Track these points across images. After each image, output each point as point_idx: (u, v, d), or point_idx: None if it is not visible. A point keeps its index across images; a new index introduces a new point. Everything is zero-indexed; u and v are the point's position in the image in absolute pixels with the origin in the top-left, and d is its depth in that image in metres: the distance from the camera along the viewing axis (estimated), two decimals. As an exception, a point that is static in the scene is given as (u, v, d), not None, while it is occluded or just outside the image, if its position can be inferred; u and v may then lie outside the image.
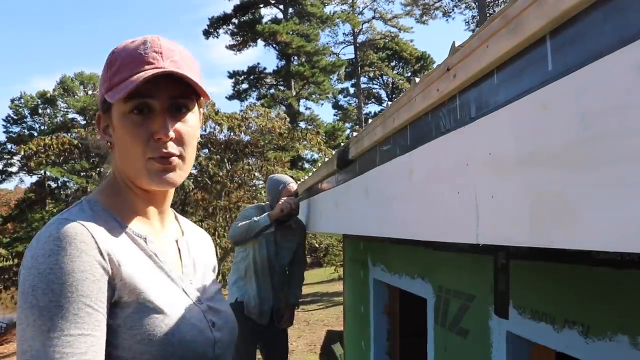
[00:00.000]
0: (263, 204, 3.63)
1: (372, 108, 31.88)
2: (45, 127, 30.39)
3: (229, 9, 26.14)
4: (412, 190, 1.22)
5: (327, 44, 29.05)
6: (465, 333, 1.49)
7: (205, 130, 9.47)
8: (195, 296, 0.92)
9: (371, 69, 30.25)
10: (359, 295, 2.96)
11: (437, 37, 63.16)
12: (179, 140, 0.86)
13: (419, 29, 62.79)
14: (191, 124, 0.88)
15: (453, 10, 27.32)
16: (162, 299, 0.83)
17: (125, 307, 0.79)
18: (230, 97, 27.01)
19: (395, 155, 1.36)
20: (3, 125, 32.19)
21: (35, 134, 28.41)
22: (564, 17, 0.63)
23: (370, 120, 1.69)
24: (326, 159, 2.99)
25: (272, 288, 3.47)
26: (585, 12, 0.60)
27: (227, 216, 9.65)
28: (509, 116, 0.78)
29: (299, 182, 3.82)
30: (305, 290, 5.58)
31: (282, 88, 26.15)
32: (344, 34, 39.01)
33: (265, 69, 26.78)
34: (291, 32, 24.36)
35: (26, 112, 32.85)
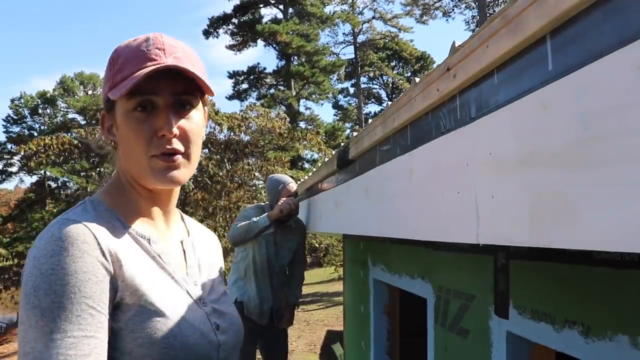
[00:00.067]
0: (263, 204, 3.63)
1: (372, 108, 31.93)
2: (45, 127, 30.40)
3: (229, 9, 26.18)
4: (412, 190, 1.22)
5: (327, 44, 29.10)
6: (465, 333, 1.49)
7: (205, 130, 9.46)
8: (200, 298, 0.91)
9: (371, 69, 30.26)
10: (359, 295, 2.96)
11: (437, 37, 63.25)
12: (183, 138, 0.84)
13: (419, 29, 62.89)
14: (195, 121, 0.87)
15: (453, 10, 27.33)
16: (164, 301, 0.82)
17: (127, 309, 0.78)
18: (230, 97, 27.02)
19: (395, 155, 1.36)
20: (3, 125, 32.23)
21: (35, 134, 28.42)
22: (564, 17, 0.63)
23: (370, 120, 1.69)
24: (326, 159, 2.99)
25: (271, 288, 3.47)
26: (586, 12, 0.60)
27: (227, 216, 9.64)
28: (509, 116, 0.78)
29: (299, 182, 3.82)
30: (305, 290, 5.58)
31: (282, 88, 26.14)
32: (344, 34, 39.06)
33: (265, 69, 26.80)
34: (291, 32, 24.36)
35: (26, 112, 32.86)
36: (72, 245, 0.74)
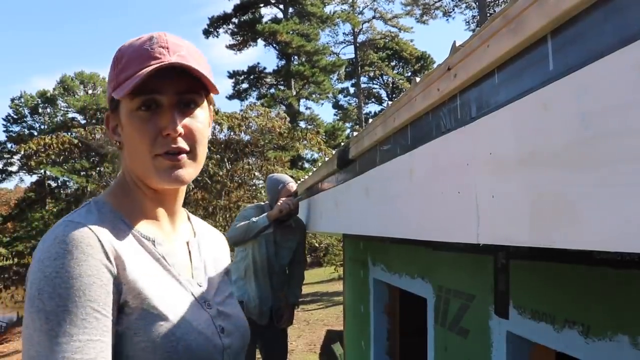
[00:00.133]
0: (262, 203, 3.63)
1: (372, 108, 31.94)
2: (46, 127, 30.41)
3: (229, 9, 26.19)
4: (412, 190, 1.22)
5: (327, 43, 29.07)
6: (465, 333, 1.49)
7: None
8: (205, 300, 0.89)
9: (371, 69, 30.26)
10: (359, 294, 2.96)
11: (437, 37, 63.21)
12: (188, 137, 0.83)
13: (419, 29, 62.90)
14: (200, 120, 0.86)
15: (453, 10, 27.33)
16: (167, 304, 0.81)
17: (130, 312, 0.77)
18: (230, 97, 27.02)
19: (395, 154, 1.36)
20: (3, 124, 32.26)
21: (36, 134, 28.44)
22: (565, 16, 0.63)
23: (370, 120, 1.69)
24: (326, 159, 2.99)
25: (271, 288, 3.47)
26: (586, 12, 0.60)
27: (227, 216, 9.65)
28: (509, 116, 0.78)
29: (299, 182, 3.82)
30: (305, 290, 5.58)
31: (282, 88, 26.15)
32: (344, 33, 39.03)
33: (265, 68, 26.81)
34: (291, 32, 24.36)
35: (26, 111, 32.88)
36: (76, 249, 0.74)
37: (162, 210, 0.91)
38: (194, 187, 9.67)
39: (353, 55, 29.85)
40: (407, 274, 2.04)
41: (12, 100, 32.74)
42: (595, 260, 0.96)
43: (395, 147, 1.38)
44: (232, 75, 26.61)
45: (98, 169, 12.34)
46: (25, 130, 31.83)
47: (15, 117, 32.54)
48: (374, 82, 32.03)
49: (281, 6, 26.18)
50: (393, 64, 30.52)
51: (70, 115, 30.78)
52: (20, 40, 78.05)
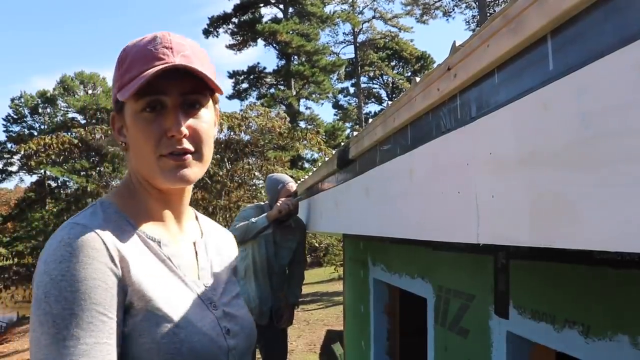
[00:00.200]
0: (262, 203, 3.63)
1: (372, 108, 31.94)
2: (46, 127, 30.42)
3: (229, 9, 26.19)
4: (412, 189, 1.22)
5: (327, 43, 29.07)
6: (465, 333, 1.49)
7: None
8: (210, 301, 0.89)
9: (371, 69, 30.26)
10: (359, 294, 2.96)
11: (437, 37, 63.22)
12: (193, 137, 0.83)
13: (419, 29, 62.84)
14: (205, 120, 0.86)
15: (453, 9, 27.32)
16: (172, 305, 0.81)
17: (135, 313, 0.78)
18: (230, 97, 27.02)
19: (395, 154, 1.36)
20: (3, 124, 32.27)
21: (35, 133, 28.45)
22: (565, 16, 0.62)
23: (370, 120, 1.69)
24: (326, 159, 2.99)
25: (271, 288, 3.47)
26: (586, 11, 0.59)
27: (227, 215, 9.64)
28: (509, 116, 0.78)
29: (298, 182, 3.82)
30: (305, 290, 5.58)
31: (282, 88, 26.15)
32: (344, 33, 39.05)
33: (265, 68, 26.81)
34: (291, 32, 24.36)
35: (26, 111, 32.89)
36: (81, 252, 0.74)
37: (168, 211, 0.91)
38: (194, 187, 9.65)
39: (353, 55, 29.86)
40: (407, 274, 2.04)
41: (12, 100, 32.77)
42: (595, 260, 0.96)
43: (395, 147, 1.38)
44: (232, 75, 26.61)
45: (98, 169, 12.33)
46: (25, 130, 31.84)
47: (15, 117, 32.55)
48: (374, 82, 32.04)
49: (281, 6, 26.18)
50: (393, 64, 30.51)
51: (70, 115, 30.81)
52: (20, 40, 78.12)
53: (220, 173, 9.74)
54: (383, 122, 1.45)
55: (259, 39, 25.82)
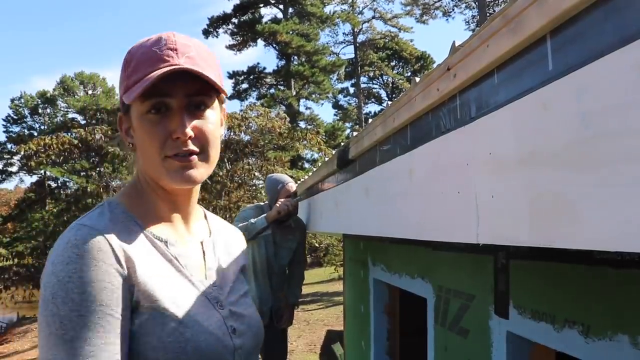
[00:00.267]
0: (262, 204, 3.63)
1: (372, 108, 31.93)
2: (45, 127, 30.43)
3: (228, 9, 26.18)
4: (412, 190, 1.22)
5: (327, 43, 29.10)
6: (465, 333, 1.49)
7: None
8: (217, 301, 0.90)
9: (371, 69, 30.26)
10: (359, 295, 2.96)
11: (437, 37, 63.24)
12: (199, 139, 0.84)
13: (419, 29, 62.74)
14: (211, 121, 0.86)
15: (453, 10, 27.32)
16: (178, 305, 0.81)
17: (141, 313, 0.78)
18: (230, 97, 26.95)
19: (395, 155, 1.36)
20: (3, 125, 32.28)
21: (35, 134, 28.46)
22: (565, 16, 0.62)
23: (370, 120, 1.69)
24: (326, 159, 2.99)
25: (271, 288, 3.47)
26: (586, 11, 0.59)
27: (227, 216, 9.64)
28: (509, 116, 0.78)
29: (298, 182, 3.82)
30: (305, 290, 5.58)
31: (282, 88, 26.15)
32: (344, 33, 39.02)
33: (265, 68, 26.81)
34: (291, 32, 24.36)
35: (26, 111, 32.91)
36: (88, 253, 0.75)
37: (175, 210, 0.92)
38: (194, 187, 9.64)
39: (353, 55, 29.85)
40: (407, 274, 2.04)
41: (12, 100, 32.80)
42: (595, 260, 0.96)
43: (395, 147, 1.38)
44: (232, 75, 26.61)
45: (98, 169, 12.32)
46: (25, 130, 31.85)
47: (15, 117, 32.57)
48: (374, 82, 32.04)
49: (281, 6, 26.18)
50: (393, 64, 30.51)
51: (70, 115, 30.77)
52: (20, 40, 78.13)
53: (220, 173, 9.74)
54: (383, 122, 1.45)
55: (259, 39, 25.82)
